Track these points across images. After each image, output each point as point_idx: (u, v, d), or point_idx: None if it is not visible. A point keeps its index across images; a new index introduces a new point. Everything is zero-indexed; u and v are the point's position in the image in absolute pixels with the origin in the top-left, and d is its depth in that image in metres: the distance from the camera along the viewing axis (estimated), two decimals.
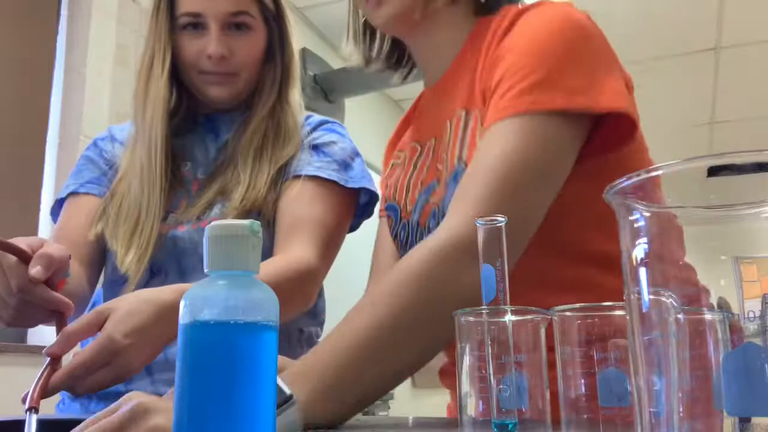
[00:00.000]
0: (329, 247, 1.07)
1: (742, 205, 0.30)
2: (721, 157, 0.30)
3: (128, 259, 1.03)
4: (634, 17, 3.44)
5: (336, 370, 0.67)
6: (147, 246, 1.04)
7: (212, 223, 0.44)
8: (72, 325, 0.78)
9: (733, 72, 3.95)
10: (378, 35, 1.06)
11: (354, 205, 1.14)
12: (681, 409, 0.31)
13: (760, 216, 0.30)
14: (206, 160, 1.16)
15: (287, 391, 0.62)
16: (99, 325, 0.78)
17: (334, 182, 1.09)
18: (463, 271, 0.69)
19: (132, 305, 0.79)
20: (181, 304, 0.42)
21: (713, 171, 0.30)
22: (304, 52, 3.35)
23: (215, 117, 1.19)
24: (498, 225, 0.59)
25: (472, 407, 0.56)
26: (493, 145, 0.76)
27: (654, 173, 0.31)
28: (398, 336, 0.69)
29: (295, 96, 1.18)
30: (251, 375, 0.41)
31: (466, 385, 0.57)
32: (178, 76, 1.14)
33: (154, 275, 1.07)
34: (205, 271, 0.43)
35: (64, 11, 2.23)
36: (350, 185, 1.11)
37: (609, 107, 0.77)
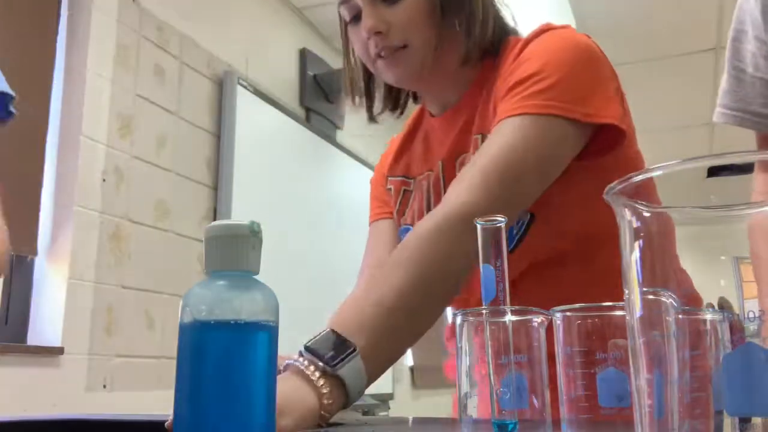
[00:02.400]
0: None
1: (742, 205, 0.30)
2: (721, 157, 0.30)
3: None
4: (635, 17, 3.44)
5: (380, 328, 0.74)
6: None
7: (212, 223, 0.44)
8: None
9: None
10: (378, 88, 1.09)
11: None
12: (681, 409, 0.31)
13: (760, 216, 0.30)
14: None
15: (351, 341, 0.71)
16: None
17: None
18: (463, 239, 0.78)
19: None
20: (181, 304, 0.43)
21: (713, 171, 0.30)
22: (304, 52, 3.35)
23: None
24: (497, 225, 0.59)
25: (472, 407, 0.56)
26: (498, 138, 0.86)
27: (654, 173, 0.31)
28: (422, 296, 0.78)
29: None
30: (251, 375, 0.41)
31: (466, 385, 0.57)
32: None
33: None
34: (205, 271, 0.43)
35: (64, 11, 2.23)
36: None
37: (605, 120, 0.87)
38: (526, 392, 0.55)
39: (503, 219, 0.60)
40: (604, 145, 0.90)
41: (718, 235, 0.31)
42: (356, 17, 0.98)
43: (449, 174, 1.01)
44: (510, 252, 0.93)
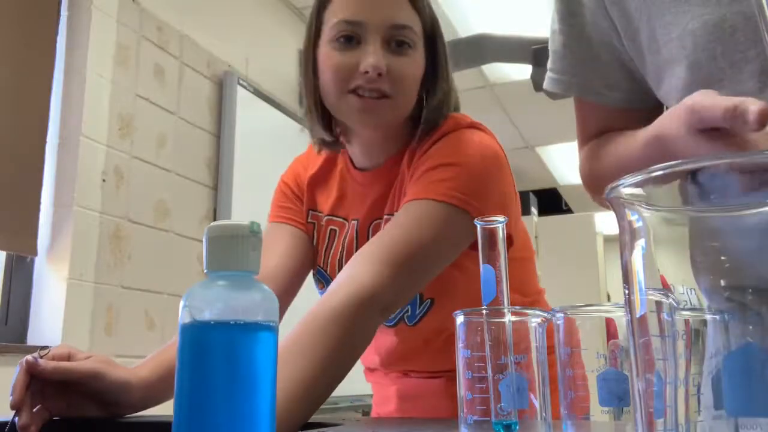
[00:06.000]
0: None
1: (742, 205, 0.30)
2: (720, 158, 0.30)
3: None
4: None
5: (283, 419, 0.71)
6: None
7: (212, 224, 0.44)
8: None
9: None
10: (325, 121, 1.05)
11: None
12: (681, 409, 0.31)
13: (760, 216, 0.30)
14: None
15: None
16: None
17: None
18: (366, 323, 0.82)
19: None
20: (181, 304, 0.42)
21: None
22: None
23: None
24: (497, 225, 0.59)
25: (472, 407, 0.56)
26: (405, 219, 0.91)
27: (654, 173, 0.31)
28: (324, 386, 0.76)
29: None
30: (251, 375, 0.41)
31: (465, 385, 0.57)
32: None
33: None
34: (205, 271, 0.43)
35: (64, 11, 2.23)
36: None
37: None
38: (526, 392, 0.55)
39: (503, 219, 0.60)
40: None
41: (718, 235, 0.31)
42: (350, 39, 0.95)
43: (362, 236, 1.05)
44: (410, 326, 1.03)
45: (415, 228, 0.88)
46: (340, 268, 1.06)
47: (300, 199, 1.13)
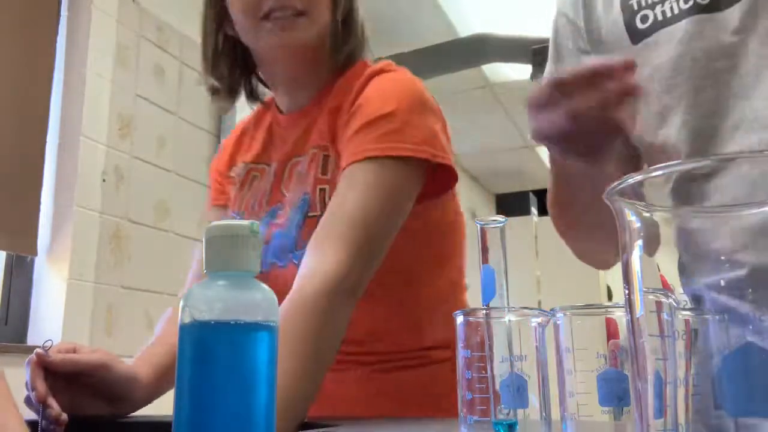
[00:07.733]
0: None
1: (742, 205, 0.30)
2: (720, 158, 0.30)
3: None
4: None
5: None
6: None
7: (212, 224, 0.44)
8: None
9: None
10: (231, 66, 1.07)
11: None
12: (681, 409, 0.31)
13: (760, 216, 0.30)
14: None
15: None
16: None
17: None
18: (339, 310, 0.81)
19: None
20: (181, 304, 0.42)
21: None
22: None
23: None
24: (497, 225, 0.59)
25: (472, 407, 0.56)
26: (352, 188, 0.88)
27: (654, 173, 0.31)
28: (309, 381, 0.76)
29: None
30: (251, 375, 0.41)
31: (465, 385, 0.57)
32: None
33: None
34: (205, 271, 0.43)
35: (64, 11, 2.23)
36: None
37: (447, 161, 0.94)
38: (526, 392, 0.55)
39: (503, 219, 0.60)
40: (439, 187, 0.97)
41: (718, 235, 0.31)
42: None
43: (278, 177, 1.04)
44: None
45: (364, 194, 0.86)
46: (255, 210, 1.04)
47: (224, 175, 1.13)
